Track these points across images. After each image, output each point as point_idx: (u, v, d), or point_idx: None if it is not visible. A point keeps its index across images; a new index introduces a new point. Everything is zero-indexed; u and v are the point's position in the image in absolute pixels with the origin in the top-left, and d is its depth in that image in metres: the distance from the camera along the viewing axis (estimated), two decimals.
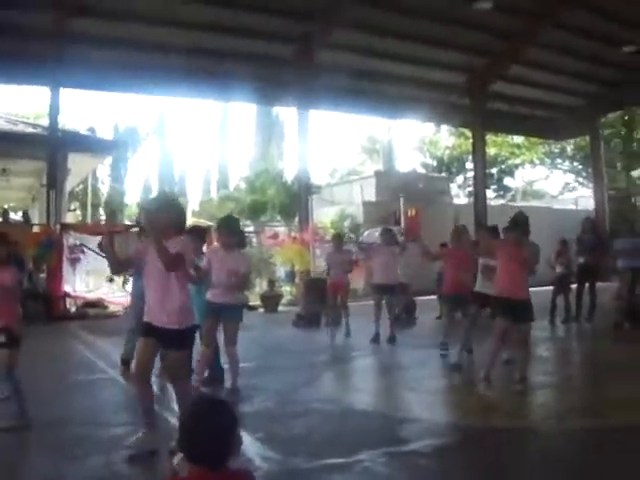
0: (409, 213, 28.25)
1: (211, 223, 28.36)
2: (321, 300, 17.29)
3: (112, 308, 20.58)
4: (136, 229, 12.51)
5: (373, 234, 27.10)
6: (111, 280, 20.72)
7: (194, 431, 3.01)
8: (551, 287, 16.85)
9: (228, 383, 9.47)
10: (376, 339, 13.92)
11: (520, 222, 9.73)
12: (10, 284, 7.57)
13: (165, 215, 6.47)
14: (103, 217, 46.19)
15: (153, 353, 6.63)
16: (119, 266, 7.17)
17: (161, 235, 6.28)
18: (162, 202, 6.95)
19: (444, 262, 13.20)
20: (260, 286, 26.00)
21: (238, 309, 9.36)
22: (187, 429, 3.02)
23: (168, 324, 6.37)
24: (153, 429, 6.57)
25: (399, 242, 15.51)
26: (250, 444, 6.69)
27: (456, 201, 44.49)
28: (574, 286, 16.86)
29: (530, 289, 9.57)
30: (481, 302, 11.26)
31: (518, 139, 46.75)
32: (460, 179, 51.93)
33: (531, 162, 50.46)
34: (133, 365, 7.05)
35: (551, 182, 69.59)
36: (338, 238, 16.28)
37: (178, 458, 3.06)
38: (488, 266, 10.75)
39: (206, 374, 9.47)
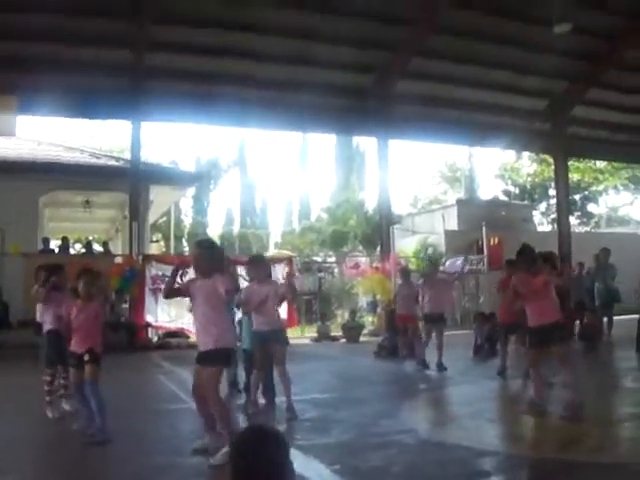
0: (491, 241, 28.01)
1: (293, 254, 28.53)
2: (398, 330, 17.18)
3: (194, 338, 20.63)
4: None
5: (455, 263, 26.98)
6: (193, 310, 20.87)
7: (239, 462, 2.91)
8: (637, 315, 16.41)
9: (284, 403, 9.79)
10: (423, 364, 14.44)
11: (525, 252, 9.53)
12: (95, 317, 8.57)
13: (203, 257, 7.63)
14: (186, 249, 46.75)
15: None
16: (170, 292, 7.92)
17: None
18: (200, 246, 8.05)
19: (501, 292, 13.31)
20: (342, 316, 25.98)
21: (282, 333, 10.19)
22: (233, 459, 2.93)
23: (207, 346, 7.38)
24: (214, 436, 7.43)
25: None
26: (327, 476, 6.57)
27: (539, 229, 43.98)
28: None
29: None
30: None
31: (601, 164, 46.08)
32: (543, 206, 51.31)
33: (615, 187, 49.72)
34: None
35: (636, 207, 68.39)
36: (405, 272, 16.87)
37: None
38: None
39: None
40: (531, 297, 9.20)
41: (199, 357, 7.46)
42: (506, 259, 13.90)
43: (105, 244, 27.84)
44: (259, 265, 10.06)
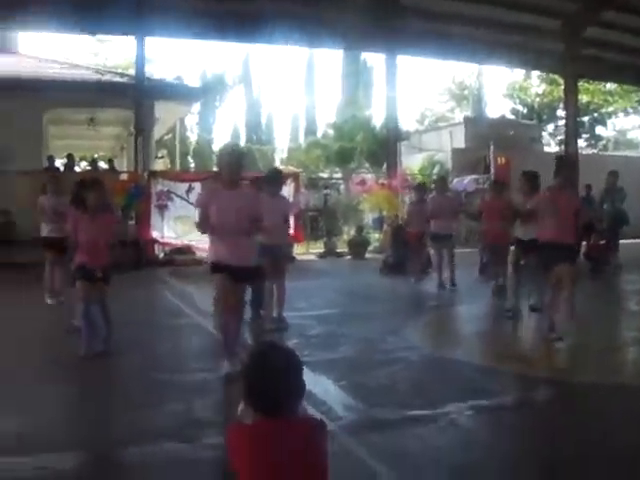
0: (499, 161, 27.81)
1: (299, 170, 28.38)
2: (409, 247, 17.13)
3: (200, 254, 20.61)
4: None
5: (462, 182, 26.86)
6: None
7: (254, 379, 2.88)
8: None
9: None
10: (441, 285, 14.11)
11: (563, 167, 9.13)
12: (109, 230, 8.82)
13: (238, 165, 7.43)
14: (192, 165, 46.61)
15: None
16: (206, 225, 7.52)
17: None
18: (234, 153, 7.73)
19: (485, 214, 13.33)
20: (348, 233, 25.94)
21: (289, 248, 11.04)
22: (247, 377, 2.90)
23: (248, 261, 7.40)
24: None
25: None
26: (334, 392, 6.61)
27: (547, 149, 43.68)
28: None
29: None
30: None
31: (611, 86, 45.55)
32: (551, 127, 50.87)
33: (624, 110, 49.23)
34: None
35: None
36: (420, 188, 16.33)
37: (241, 405, 2.94)
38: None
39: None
40: (554, 214, 8.80)
41: (242, 272, 7.29)
42: (493, 180, 13.79)
43: (110, 161, 27.64)
44: (277, 181, 10.25)
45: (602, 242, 17.91)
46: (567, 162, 9.12)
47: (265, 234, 9.17)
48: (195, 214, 9.97)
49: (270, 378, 2.87)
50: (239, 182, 7.52)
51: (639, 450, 5.19)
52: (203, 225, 7.50)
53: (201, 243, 20.30)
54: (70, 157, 24.74)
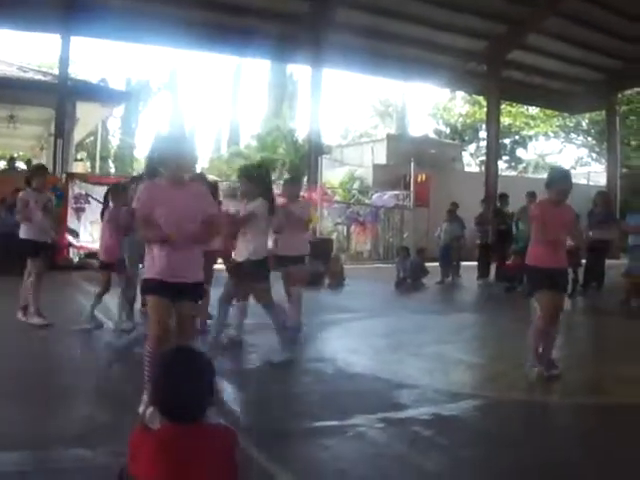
0: (419, 178, 28.06)
1: (219, 179, 28.25)
2: (325, 260, 17.15)
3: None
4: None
5: (382, 197, 27.06)
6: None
7: (160, 381, 2.80)
8: None
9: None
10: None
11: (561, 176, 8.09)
12: None
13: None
14: (112, 169, 46.09)
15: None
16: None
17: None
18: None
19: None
20: None
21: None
22: (154, 380, 2.82)
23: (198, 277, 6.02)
24: None
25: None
26: (243, 403, 6.53)
27: (467, 169, 44.25)
28: (583, 261, 16.53)
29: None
30: None
31: (533, 110, 46.28)
32: (472, 147, 51.60)
33: (545, 134, 50.04)
34: None
35: (564, 156, 68.81)
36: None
37: (149, 410, 2.86)
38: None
39: None
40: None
41: (185, 290, 5.84)
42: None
43: (29, 162, 27.19)
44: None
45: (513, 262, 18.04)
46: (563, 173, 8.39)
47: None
48: None
49: (176, 381, 2.79)
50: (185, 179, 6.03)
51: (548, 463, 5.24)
52: (150, 230, 5.84)
53: None
54: None
